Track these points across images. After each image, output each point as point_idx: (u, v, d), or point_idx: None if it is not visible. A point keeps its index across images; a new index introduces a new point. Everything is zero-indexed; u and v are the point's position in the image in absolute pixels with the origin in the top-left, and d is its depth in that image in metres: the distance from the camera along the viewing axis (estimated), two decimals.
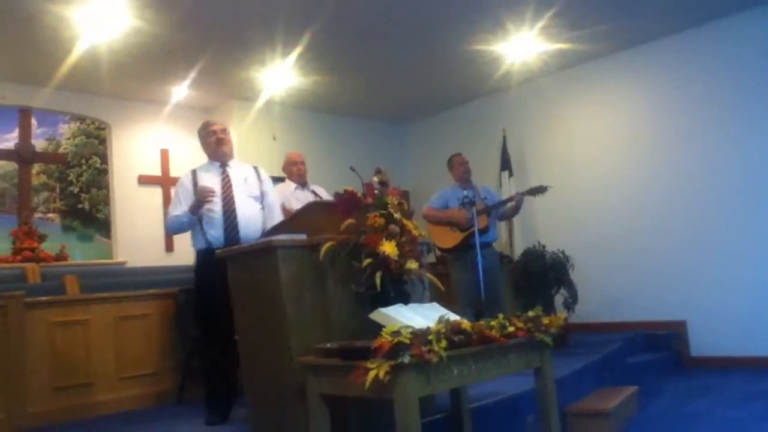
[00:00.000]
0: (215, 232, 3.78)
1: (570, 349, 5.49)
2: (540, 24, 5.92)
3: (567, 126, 7.38)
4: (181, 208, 3.83)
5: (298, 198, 4.86)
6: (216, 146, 3.99)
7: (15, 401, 4.10)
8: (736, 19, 6.09)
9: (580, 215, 7.08)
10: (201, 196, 3.72)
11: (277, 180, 4.69)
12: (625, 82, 6.92)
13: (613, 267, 6.73)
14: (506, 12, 5.66)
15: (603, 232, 6.88)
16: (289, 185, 5.08)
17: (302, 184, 5.10)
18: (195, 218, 3.79)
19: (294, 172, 5.12)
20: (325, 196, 5.00)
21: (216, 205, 3.79)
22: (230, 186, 3.88)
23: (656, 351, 6.17)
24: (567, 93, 7.35)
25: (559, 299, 5.88)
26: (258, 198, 3.96)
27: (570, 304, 5.82)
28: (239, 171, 4.00)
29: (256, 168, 4.11)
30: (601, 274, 6.66)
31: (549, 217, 7.23)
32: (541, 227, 7.29)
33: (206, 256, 3.70)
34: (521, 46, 6.44)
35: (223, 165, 3.98)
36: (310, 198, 4.84)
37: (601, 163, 7.04)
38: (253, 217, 3.88)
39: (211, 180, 3.87)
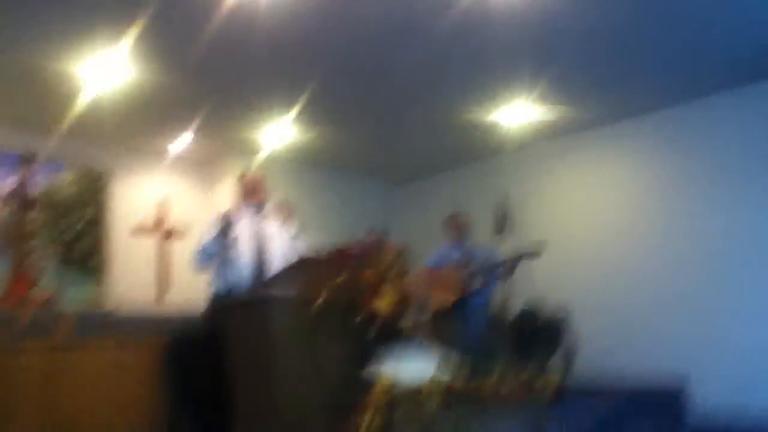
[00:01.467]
0: (243, 275, 3.78)
1: (564, 411, 5.39)
2: (535, 93, 6.05)
3: (562, 191, 7.50)
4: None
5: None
6: (252, 194, 4.15)
7: None
8: (725, 96, 6.28)
9: (579, 275, 7.11)
10: (226, 223, 3.77)
11: None
12: (620, 151, 7.08)
13: (611, 330, 6.70)
14: (503, 81, 5.78)
15: (599, 295, 6.89)
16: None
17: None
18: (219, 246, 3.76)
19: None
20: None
21: (244, 251, 3.83)
22: (263, 233, 3.93)
23: (654, 416, 6.05)
24: (563, 157, 7.49)
25: (554, 361, 5.81)
26: (285, 254, 3.99)
27: (566, 366, 5.76)
28: (272, 222, 4.11)
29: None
30: (598, 337, 6.59)
31: (545, 279, 7.20)
32: (537, 290, 7.27)
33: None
34: (517, 113, 6.57)
35: (257, 213, 4.08)
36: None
37: (597, 228, 7.14)
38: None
39: (244, 225, 3.92)
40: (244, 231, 3.84)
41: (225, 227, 3.71)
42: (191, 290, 4.02)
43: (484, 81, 5.75)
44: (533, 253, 5.30)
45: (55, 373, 4.40)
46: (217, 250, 3.76)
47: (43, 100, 5.85)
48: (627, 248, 6.85)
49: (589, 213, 7.25)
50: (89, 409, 4.47)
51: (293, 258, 4.04)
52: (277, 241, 3.96)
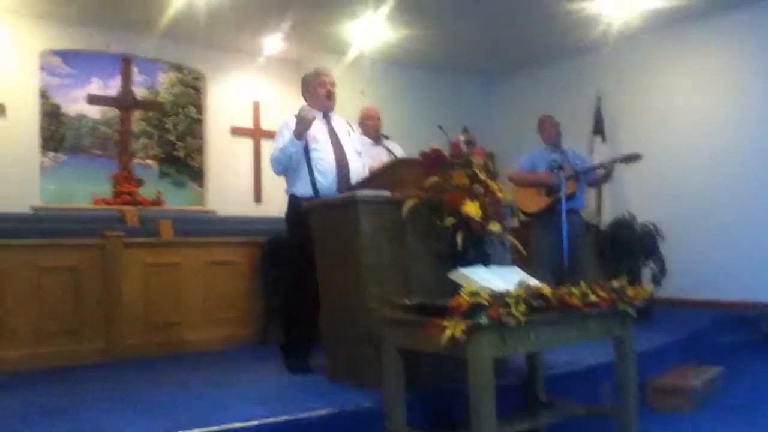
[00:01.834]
0: (326, 181, 3.73)
1: (654, 323, 5.31)
2: None
3: (666, 90, 7.01)
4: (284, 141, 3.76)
5: (371, 154, 4.81)
6: (325, 98, 3.94)
7: (113, 333, 4.40)
8: None
9: (675, 186, 6.76)
10: (304, 119, 3.61)
11: None
12: (732, 43, 6.46)
13: (707, 242, 6.42)
14: None
15: (699, 205, 6.55)
16: (363, 140, 5.04)
17: (376, 140, 5.06)
18: (302, 148, 3.69)
19: (370, 126, 5.07)
20: (399, 152, 4.96)
21: (327, 154, 3.76)
22: (338, 137, 3.87)
23: (745, 332, 5.87)
24: (668, 54, 6.95)
25: (646, 272, 5.69)
26: (360, 153, 3.98)
27: (658, 278, 5.62)
28: (341, 124, 3.99)
29: (350, 125, 4.11)
30: (693, 249, 6.36)
31: (641, 185, 6.94)
32: (632, 196, 7.02)
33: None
34: (621, 3, 6.13)
35: (326, 116, 3.95)
36: (383, 154, 4.82)
37: (701, 131, 6.66)
38: (359, 170, 3.85)
39: (318, 126, 3.81)
40: (319, 133, 3.80)
41: (299, 128, 3.66)
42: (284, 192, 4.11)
43: None
44: (632, 157, 5.02)
45: (158, 267, 4.70)
46: (296, 149, 3.70)
47: (141, 0, 5.95)
48: (732, 159, 6.39)
49: (692, 118, 6.77)
50: (189, 299, 4.79)
51: (377, 160, 4.04)
52: (350, 143, 3.92)
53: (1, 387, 3.54)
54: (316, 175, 3.74)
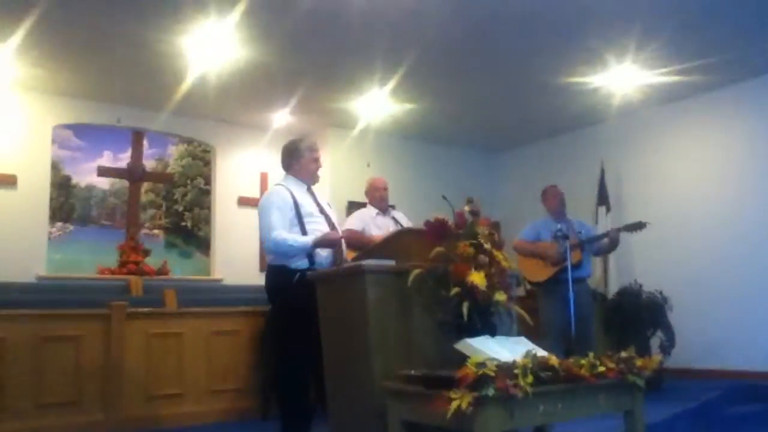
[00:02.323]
0: (325, 254, 3.77)
1: (664, 394, 5.21)
2: (643, 55, 5.78)
3: (669, 160, 7.11)
4: (285, 230, 3.73)
5: (378, 224, 4.86)
6: (315, 171, 4.00)
7: (113, 404, 4.33)
8: None
9: (681, 254, 6.76)
10: (330, 242, 3.70)
11: (359, 205, 4.71)
12: (732, 117, 6.61)
13: (715, 310, 6.37)
14: (606, 44, 5.58)
15: (705, 272, 6.53)
16: (371, 210, 5.06)
17: (383, 209, 5.09)
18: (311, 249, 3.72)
19: (377, 197, 5.10)
20: (406, 222, 4.99)
21: (322, 226, 3.79)
22: (323, 208, 3.92)
23: (759, 402, 5.74)
24: (670, 126, 7.10)
25: (654, 341, 5.61)
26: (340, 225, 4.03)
27: (666, 348, 5.54)
28: (322, 197, 4.05)
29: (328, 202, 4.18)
30: (701, 317, 6.30)
31: (646, 254, 6.94)
32: (638, 264, 7.00)
33: (299, 275, 3.63)
34: (622, 78, 6.31)
35: (309, 188, 3.97)
36: (391, 224, 4.85)
37: (704, 200, 6.73)
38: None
39: (308, 201, 3.87)
40: (310, 206, 3.84)
41: (324, 244, 3.71)
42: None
43: (587, 43, 5.53)
44: (637, 226, 5.03)
45: (160, 337, 4.67)
46: (304, 252, 3.71)
47: (155, 77, 6.15)
48: (735, 224, 6.42)
49: (693, 186, 6.84)
50: (190, 370, 4.74)
51: (385, 230, 4.07)
52: (332, 214, 3.96)
53: None
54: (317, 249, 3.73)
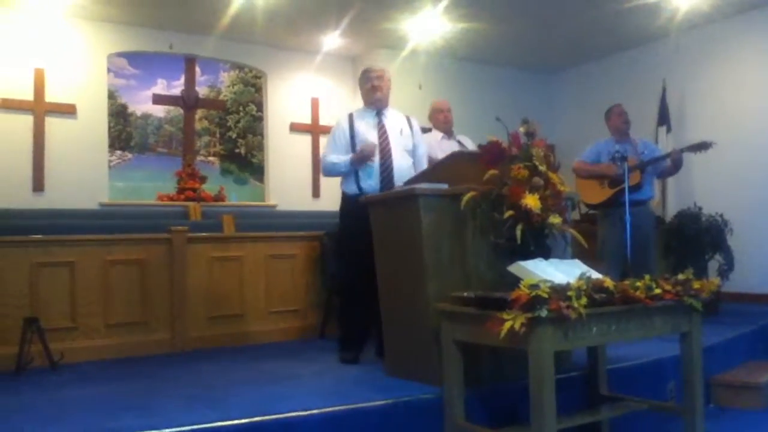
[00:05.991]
0: (371, 182, 3.84)
1: (721, 317, 5.14)
2: None
3: (735, 77, 6.74)
4: (338, 155, 3.90)
5: (443, 148, 4.77)
6: (370, 93, 4.01)
7: (178, 325, 4.53)
8: None
9: (744, 176, 6.50)
10: (364, 156, 3.79)
11: (423, 130, 4.64)
12: None
13: None
14: None
15: (767, 196, 6.29)
16: (435, 135, 4.97)
17: (448, 133, 4.99)
18: (352, 168, 3.87)
19: (440, 120, 5.00)
20: (471, 146, 4.89)
21: (374, 156, 3.84)
22: (387, 138, 3.91)
23: None
24: (737, 41, 6.69)
25: (713, 265, 5.50)
26: (410, 151, 4.00)
27: (725, 271, 5.42)
28: (394, 121, 4.01)
29: (408, 119, 4.11)
30: (761, 242, 6.12)
31: (708, 176, 6.70)
32: (699, 187, 6.78)
33: (356, 200, 3.74)
34: None
35: (379, 113, 3.99)
36: (456, 148, 4.75)
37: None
38: (406, 169, 3.90)
39: (367, 129, 3.90)
40: (369, 136, 3.85)
41: (357, 160, 3.81)
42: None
43: None
44: (701, 146, 4.80)
45: (221, 261, 4.81)
46: (346, 170, 3.88)
47: (206, 2, 6.10)
48: None
49: (760, 106, 6.47)
50: (250, 292, 4.89)
51: (421, 157, 4.07)
52: (400, 142, 3.93)
53: (80, 378, 3.68)
54: (361, 174, 3.86)
